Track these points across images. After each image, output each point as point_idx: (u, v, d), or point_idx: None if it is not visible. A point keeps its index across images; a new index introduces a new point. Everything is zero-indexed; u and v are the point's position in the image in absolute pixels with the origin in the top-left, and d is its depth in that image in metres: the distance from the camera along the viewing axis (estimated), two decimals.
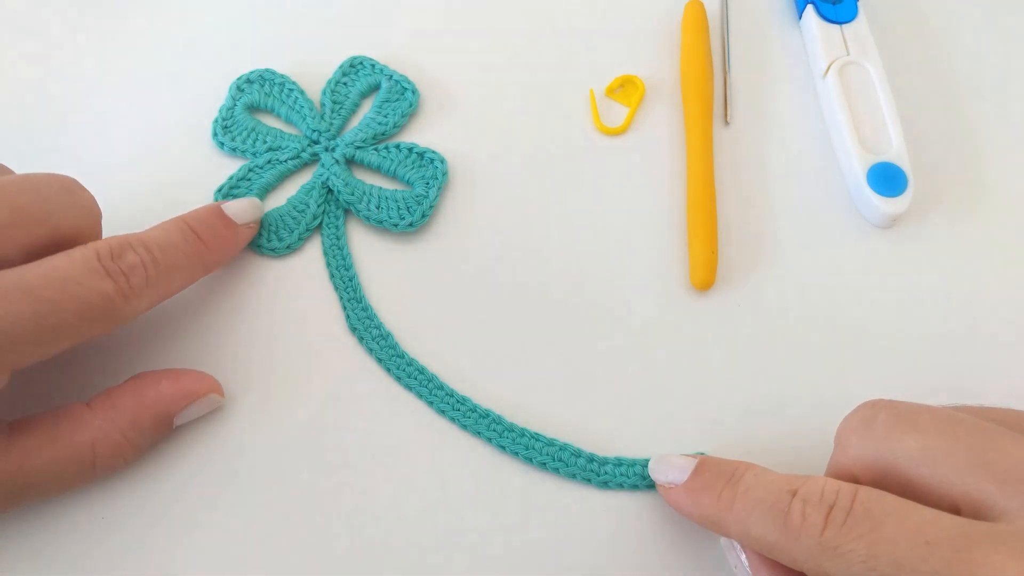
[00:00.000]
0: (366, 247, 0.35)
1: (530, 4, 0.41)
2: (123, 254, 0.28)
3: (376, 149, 0.36)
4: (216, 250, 0.32)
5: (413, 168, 0.36)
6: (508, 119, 0.38)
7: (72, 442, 0.28)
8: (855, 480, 0.24)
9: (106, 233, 0.31)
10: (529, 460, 0.30)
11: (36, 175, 0.29)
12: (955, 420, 0.23)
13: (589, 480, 0.30)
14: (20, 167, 0.36)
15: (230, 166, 0.36)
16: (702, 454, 0.29)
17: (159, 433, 0.30)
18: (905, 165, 0.35)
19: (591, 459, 0.30)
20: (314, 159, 0.36)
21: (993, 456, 0.22)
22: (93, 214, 0.30)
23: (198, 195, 0.35)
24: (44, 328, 0.26)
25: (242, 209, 0.33)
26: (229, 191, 0.35)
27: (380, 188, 0.35)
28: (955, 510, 0.22)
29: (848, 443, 0.25)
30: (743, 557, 0.26)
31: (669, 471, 0.28)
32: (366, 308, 0.33)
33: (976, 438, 0.23)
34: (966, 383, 0.32)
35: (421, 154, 0.36)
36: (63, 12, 0.40)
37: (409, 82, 0.38)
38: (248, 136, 0.37)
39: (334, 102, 0.38)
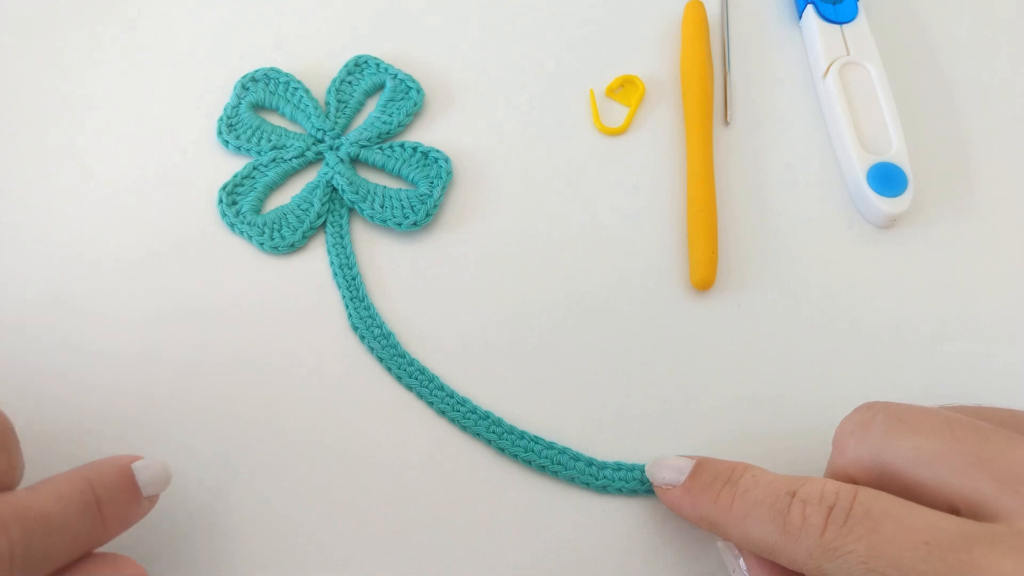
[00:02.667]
0: (370, 246, 0.35)
1: (532, 4, 0.41)
2: None
3: (380, 148, 0.37)
4: (111, 528, 0.25)
5: (417, 167, 0.36)
6: (510, 119, 0.38)
7: None
8: (853, 482, 0.24)
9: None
10: (528, 463, 0.30)
11: None
12: (952, 421, 0.23)
13: (588, 484, 0.30)
14: (23, 167, 0.36)
15: (235, 164, 0.36)
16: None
17: None
18: (905, 165, 0.35)
19: (590, 463, 0.30)
20: (318, 158, 0.36)
21: (991, 457, 0.22)
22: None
23: (202, 193, 0.36)
24: None
25: (154, 479, 0.27)
26: (234, 189, 0.35)
27: (384, 187, 0.36)
28: (953, 511, 0.22)
29: (846, 445, 0.25)
30: (740, 560, 0.26)
31: (666, 472, 0.28)
32: (368, 307, 0.33)
33: (974, 439, 0.23)
34: (965, 383, 0.32)
35: (425, 153, 0.36)
36: (67, 11, 0.41)
37: (414, 81, 0.38)
38: (253, 134, 0.37)
39: (339, 101, 0.38)
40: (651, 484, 0.29)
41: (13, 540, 0.22)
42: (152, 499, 0.27)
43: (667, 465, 0.28)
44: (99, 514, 0.25)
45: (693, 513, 0.27)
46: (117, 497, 0.25)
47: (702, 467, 0.27)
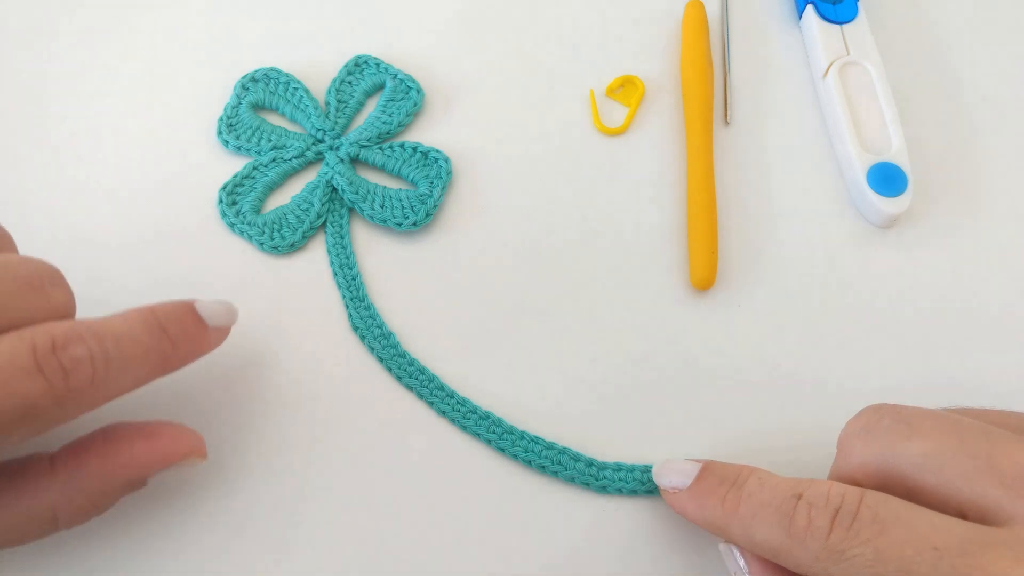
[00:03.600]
0: (370, 246, 0.35)
1: (532, 4, 0.41)
2: (68, 346, 0.23)
3: (380, 148, 0.37)
4: (182, 350, 0.27)
5: (417, 167, 0.36)
6: (510, 119, 0.38)
7: (31, 505, 0.25)
8: (858, 485, 0.24)
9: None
10: (528, 463, 0.30)
11: (12, 261, 0.25)
12: (959, 424, 0.23)
13: (588, 484, 0.30)
14: (25, 167, 0.36)
15: (235, 164, 0.36)
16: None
17: (130, 491, 0.27)
18: (905, 165, 0.35)
19: (590, 463, 0.30)
20: (318, 158, 0.36)
21: (998, 461, 0.22)
22: (61, 315, 0.26)
23: (202, 193, 0.36)
24: None
25: (217, 312, 0.29)
26: (234, 189, 0.35)
27: (384, 187, 0.36)
28: (960, 515, 0.22)
29: (851, 449, 0.25)
30: (742, 562, 0.26)
31: (673, 476, 0.28)
32: (368, 307, 0.33)
33: (980, 442, 0.23)
34: (966, 383, 0.32)
35: (425, 153, 0.36)
36: (68, 11, 0.41)
37: (414, 81, 0.38)
38: (253, 135, 0.37)
39: (339, 101, 0.38)
40: (652, 484, 0.30)
41: (91, 347, 0.24)
42: (221, 331, 0.29)
43: (673, 469, 0.28)
44: (165, 335, 0.26)
45: (699, 516, 0.27)
46: (181, 323, 0.27)
47: (708, 470, 0.27)
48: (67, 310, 0.26)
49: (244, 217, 0.35)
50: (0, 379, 0.22)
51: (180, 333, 0.27)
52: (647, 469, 0.30)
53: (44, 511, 0.25)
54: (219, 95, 0.38)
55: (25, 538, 0.26)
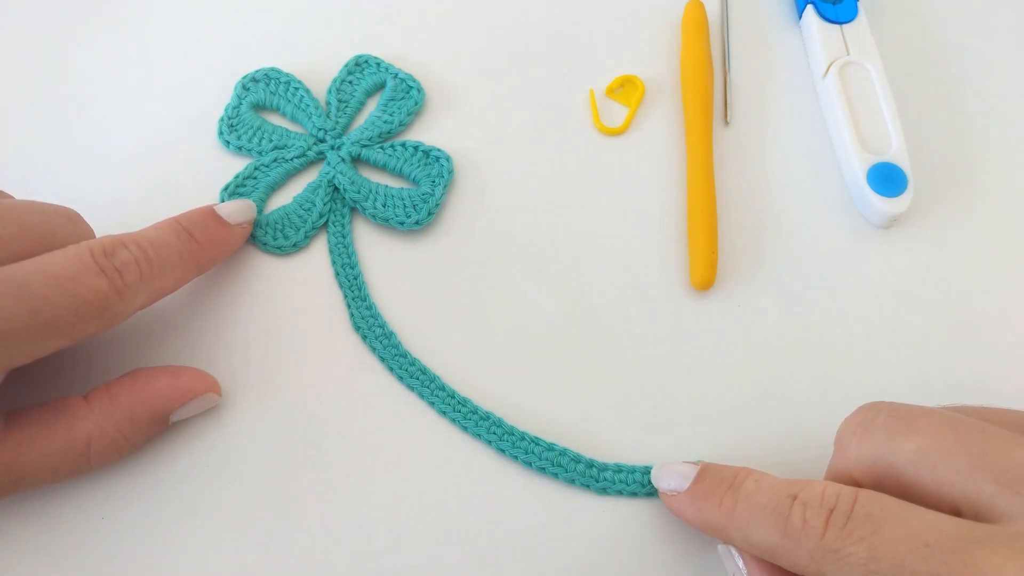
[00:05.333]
0: (372, 246, 0.35)
1: (532, 4, 0.41)
2: (116, 252, 0.28)
3: (382, 147, 0.37)
4: (210, 249, 0.32)
5: (419, 166, 0.36)
6: (510, 118, 0.38)
7: (68, 436, 0.28)
8: (855, 483, 0.24)
9: (117, 232, 0.31)
10: (529, 464, 0.30)
11: (43, 203, 0.29)
12: (954, 422, 0.23)
13: (588, 486, 0.30)
14: (26, 166, 0.36)
15: (236, 165, 0.36)
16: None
17: (155, 429, 0.30)
18: (905, 165, 0.35)
19: (590, 464, 0.30)
20: (320, 157, 0.37)
21: (993, 458, 0.22)
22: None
23: (204, 194, 0.36)
24: (39, 325, 0.25)
25: (235, 210, 0.33)
26: (235, 190, 0.35)
27: (386, 186, 0.36)
28: (955, 512, 0.22)
29: (848, 446, 0.25)
30: (741, 563, 0.26)
31: (671, 479, 0.28)
32: (370, 307, 0.33)
33: (976, 440, 0.23)
34: (966, 383, 0.33)
35: (427, 152, 0.36)
36: (69, 11, 0.41)
37: (414, 80, 0.38)
38: (254, 135, 0.37)
39: (340, 100, 0.38)
40: (653, 487, 0.30)
41: (134, 252, 0.28)
42: (244, 226, 0.33)
43: (671, 471, 0.29)
44: (192, 238, 0.31)
45: (697, 518, 0.27)
46: (204, 225, 0.31)
47: (706, 473, 0.28)
48: (92, 237, 0.30)
49: None
50: (78, 277, 0.26)
51: (205, 235, 0.31)
52: (647, 470, 0.30)
53: (79, 442, 0.28)
54: (220, 95, 0.38)
55: (59, 472, 0.28)
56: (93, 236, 0.30)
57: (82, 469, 0.29)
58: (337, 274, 0.34)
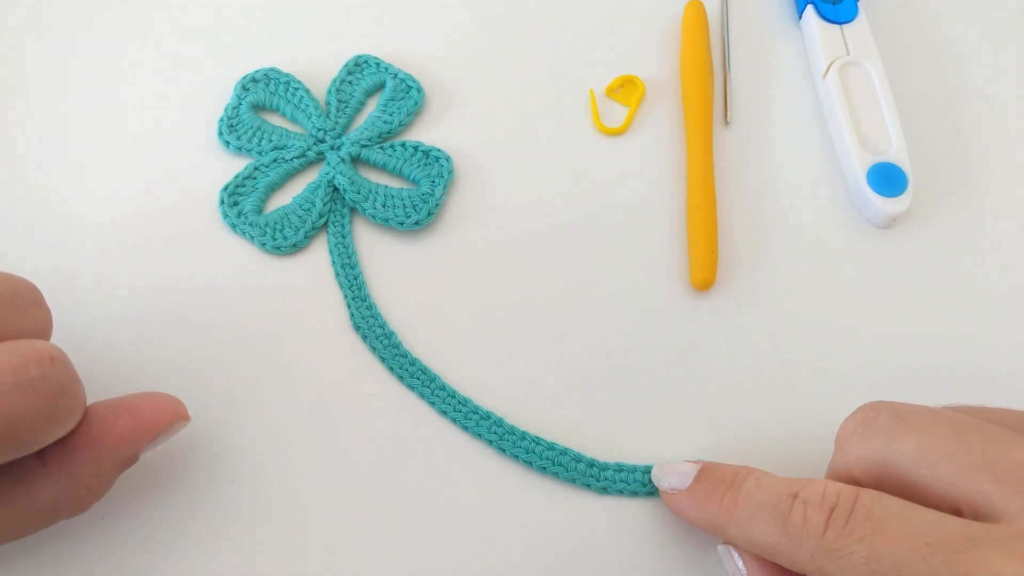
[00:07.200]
0: (371, 246, 0.35)
1: (532, 4, 0.41)
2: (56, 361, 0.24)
3: (382, 147, 0.37)
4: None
5: (419, 166, 0.36)
6: (510, 118, 0.38)
7: (29, 504, 0.25)
8: (856, 482, 0.24)
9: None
10: (529, 464, 0.30)
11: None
12: (955, 421, 0.23)
13: (588, 485, 0.30)
14: (26, 168, 0.36)
15: (236, 165, 0.36)
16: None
17: (124, 469, 0.27)
18: (905, 165, 0.35)
19: (591, 464, 0.31)
20: (320, 158, 0.37)
21: (993, 457, 0.22)
22: (39, 335, 0.26)
23: (204, 194, 0.36)
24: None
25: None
26: (235, 190, 0.35)
27: (386, 186, 0.36)
28: (956, 511, 0.22)
29: (848, 445, 0.25)
30: (741, 563, 0.26)
31: (672, 477, 0.29)
32: (370, 307, 0.33)
33: (976, 439, 0.23)
34: (966, 383, 0.33)
35: (427, 152, 0.36)
36: (68, 12, 0.41)
37: (414, 80, 0.38)
38: (254, 135, 0.37)
39: (339, 101, 0.38)
40: (653, 486, 0.30)
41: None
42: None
43: (672, 470, 0.29)
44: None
45: (697, 517, 0.27)
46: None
47: (706, 472, 0.28)
48: (45, 330, 0.26)
49: (246, 217, 0.35)
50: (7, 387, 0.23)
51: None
52: (648, 470, 0.30)
53: (43, 507, 0.25)
54: (219, 96, 0.38)
55: (28, 532, 0.26)
56: (43, 324, 0.26)
57: (54, 523, 0.26)
58: (337, 274, 0.34)
